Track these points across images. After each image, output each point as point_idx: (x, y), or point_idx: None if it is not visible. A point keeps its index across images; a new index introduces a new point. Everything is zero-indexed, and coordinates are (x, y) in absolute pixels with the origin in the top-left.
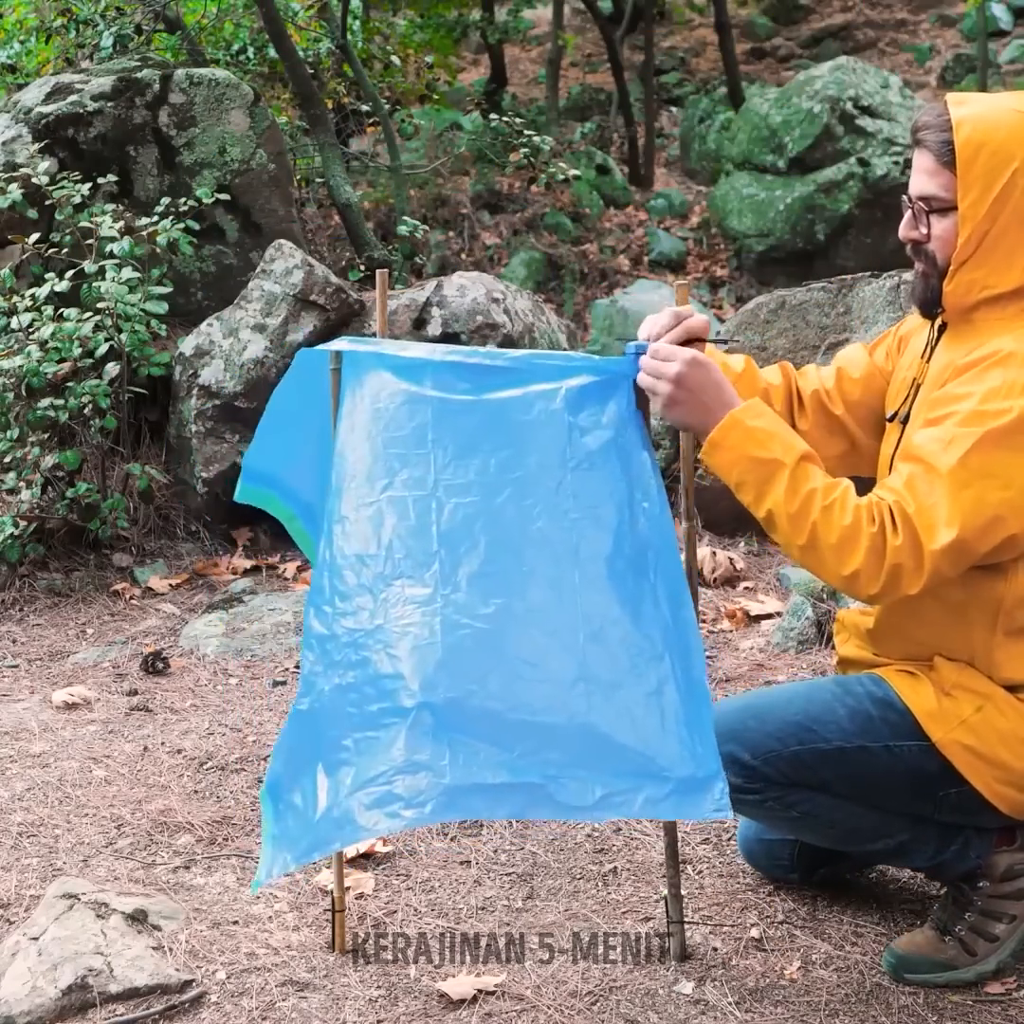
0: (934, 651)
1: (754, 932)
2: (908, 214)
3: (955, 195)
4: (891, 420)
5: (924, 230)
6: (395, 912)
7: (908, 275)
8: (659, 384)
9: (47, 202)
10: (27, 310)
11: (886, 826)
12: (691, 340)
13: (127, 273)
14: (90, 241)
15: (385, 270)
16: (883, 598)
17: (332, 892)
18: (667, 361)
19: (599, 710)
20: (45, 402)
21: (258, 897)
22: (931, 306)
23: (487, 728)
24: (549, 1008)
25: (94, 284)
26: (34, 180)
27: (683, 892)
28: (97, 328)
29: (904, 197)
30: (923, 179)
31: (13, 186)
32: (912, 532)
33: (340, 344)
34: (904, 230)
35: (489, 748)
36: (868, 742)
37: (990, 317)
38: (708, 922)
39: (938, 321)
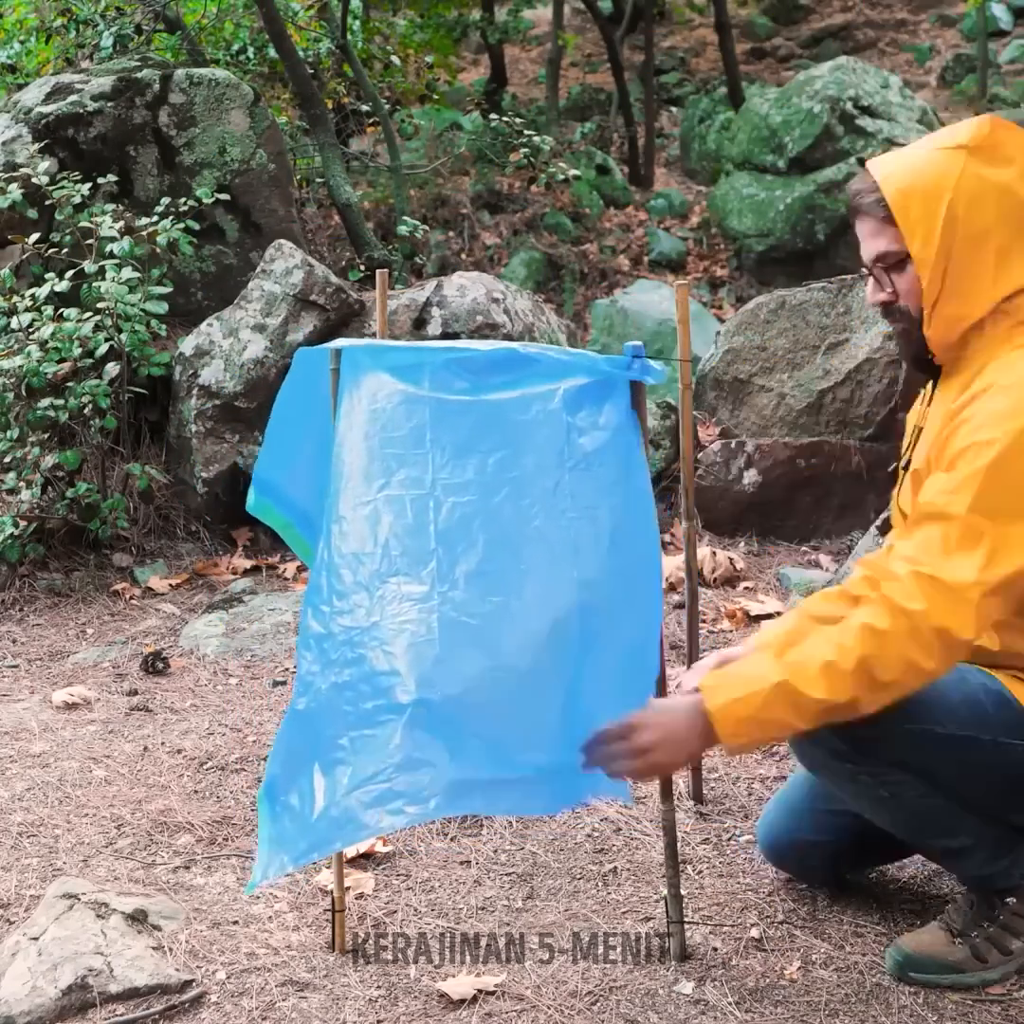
0: None
1: (754, 932)
2: (870, 281)
3: (904, 244)
4: (901, 468)
5: (890, 289)
6: (395, 912)
7: None
8: (640, 765)
9: (47, 202)
10: (27, 310)
11: (959, 826)
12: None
13: (127, 273)
14: (90, 241)
15: (385, 270)
16: (952, 659)
17: (332, 892)
18: (623, 742)
19: (592, 707)
20: (45, 402)
21: (258, 897)
22: (922, 358)
23: (484, 724)
24: (549, 1008)
25: (94, 284)
26: (34, 180)
27: (683, 892)
28: (97, 328)
29: (862, 269)
30: (871, 242)
31: (13, 186)
32: (936, 591)
33: (339, 343)
34: (872, 296)
35: (486, 744)
36: (978, 733)
37: (978, 345)
38: (708, 922)
39: (919, 373)
